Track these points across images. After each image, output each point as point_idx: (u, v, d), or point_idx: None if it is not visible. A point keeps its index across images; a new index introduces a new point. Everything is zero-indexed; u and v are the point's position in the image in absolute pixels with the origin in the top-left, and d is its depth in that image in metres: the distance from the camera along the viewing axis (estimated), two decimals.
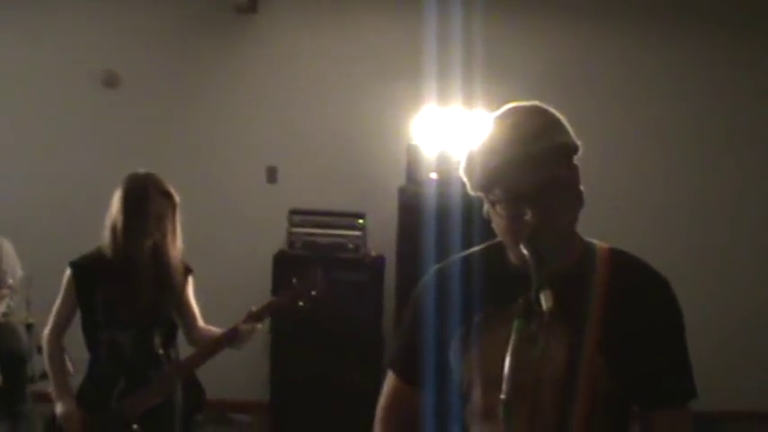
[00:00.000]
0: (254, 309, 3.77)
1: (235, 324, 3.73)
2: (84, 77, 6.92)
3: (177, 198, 3.70)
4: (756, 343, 6.81)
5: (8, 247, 6.06)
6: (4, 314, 5.89)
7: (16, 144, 7.01)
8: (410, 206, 6.11)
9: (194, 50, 6.96)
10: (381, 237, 6.41)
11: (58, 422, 3.67)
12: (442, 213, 5.38)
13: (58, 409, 3.67)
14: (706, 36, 6.88)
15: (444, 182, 5.83)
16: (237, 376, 6.10)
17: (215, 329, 3.85)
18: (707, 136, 6.94)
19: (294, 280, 3.84)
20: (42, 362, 4.09)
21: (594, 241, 2.08)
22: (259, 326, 3.75)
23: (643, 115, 6.87)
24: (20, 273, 6.01)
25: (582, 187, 1.97)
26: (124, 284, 3.63)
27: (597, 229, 2.20)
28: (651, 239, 5.94)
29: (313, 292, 3.80)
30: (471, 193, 2.01)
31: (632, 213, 6.73)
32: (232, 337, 3.71)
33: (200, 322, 3.88)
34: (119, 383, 3.62)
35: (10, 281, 5.87)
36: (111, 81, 6.90)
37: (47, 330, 3.78)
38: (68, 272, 3.72)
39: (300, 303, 3.80)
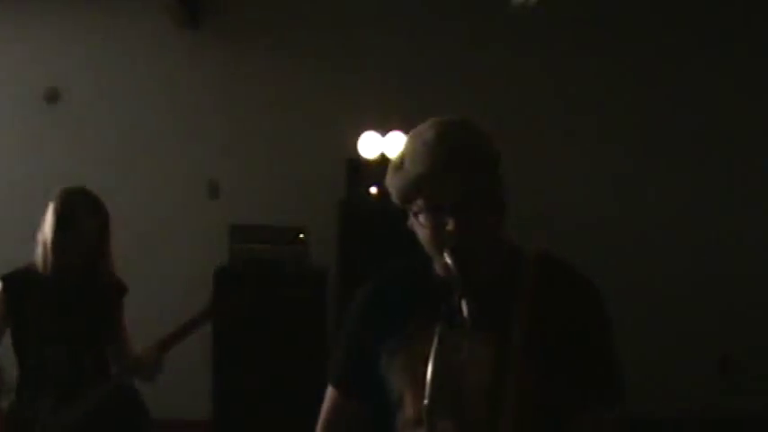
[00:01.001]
0: (163, 338, 3.79)
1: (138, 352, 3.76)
2: (26, 92, 6.85)
3: (108, 214, 3.67)
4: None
5: None
6: None
7: None
8: (350, 220, 6.14)
9: (135, 65, 6.91)
10: (323, 251, 6.42)
11: None
12: (383, 226, 5.40)
13: None
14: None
15: (385, 195, 5.82)
16: (181, 394, 6.05)
17: (130, 351, 3.83)
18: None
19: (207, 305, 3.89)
20: None
21: (525, 246, 2.11)
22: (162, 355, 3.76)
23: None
24: None
25: (504, 196, 2.00)
26: (54, 300, 3.60)
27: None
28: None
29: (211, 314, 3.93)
30: (395, 203, 2.05)
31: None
32: (137, 369, 3.75)
33: (131, 344, 3.84)
34: (49, 400, 3.59)
35: None
36: (51, 96, 6.84)
37: None
38: None
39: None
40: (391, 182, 2.03)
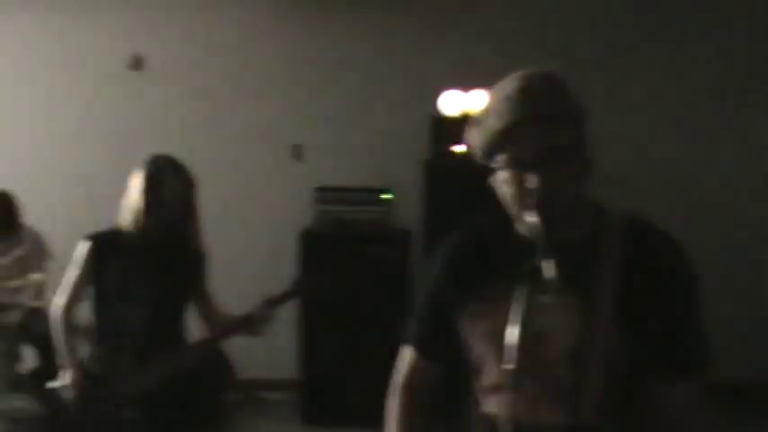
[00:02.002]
0: (269, 298, 3.81)
1: (249, 311, 3.77)
2: (110, 60, 6.94)
3: (193, 180, 3.71)
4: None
5: (38, 235, 6.12)
6: (35, 299, 5.97)
7: (44, 128, 7.06)
8: (435, 179, 6.08)
9: (218, 32, 6.95)
10: (407, 211, 6.41)
11: (63, 389, 3.74)
12: (467, 185, 5.35)
13: (66, 376, 3.74)
14: None
15: (468, 153, 5.77)
16: (266, 355, 6.12)
17: (224, 312, 3.88)
18: None
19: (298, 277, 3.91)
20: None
21: (613, 208, 2.04)
22: (273, 313, 3.78)
23: None
24: (49, 257, 6.08)
25: (589, 154, 1.94)
26: (138, 261, 3.66)
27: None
28: None
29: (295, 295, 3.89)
30: (478, 161, 2.00)
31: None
32: (244, 325, 3.76)
33: (215, 306, 3.90)
34: (126, 360, 3.67)
35: (39, 267, 5.94)
36: (136, 64, 6.92)
37: (60, 301, 3.81)
38: (84, 244, 3.75)
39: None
40: (473, 137, 1.99)
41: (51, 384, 3.82)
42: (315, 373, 6.26)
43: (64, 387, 3.72)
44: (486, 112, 1.94)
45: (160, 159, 3.70)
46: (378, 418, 5.77)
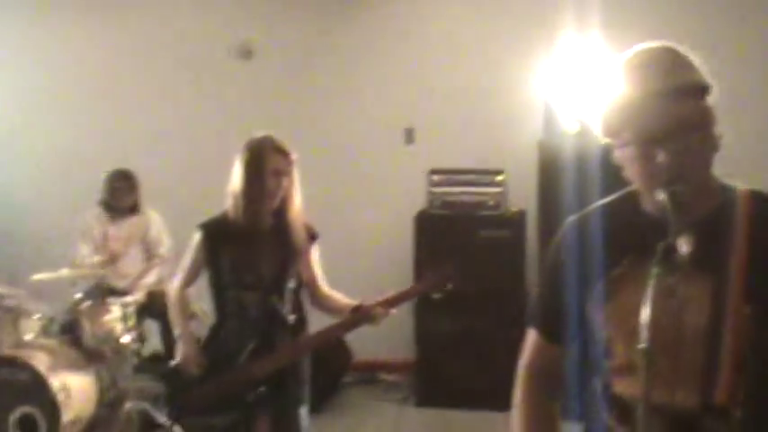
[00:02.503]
0: (391, 294, 3.84)
1: (359, 302, 3.80)
2: (220, 49, 7.08)
3: (292, 161, 3.74)
4: None
5: (157, 219, 6.30)
6: (157, 282, 6.14)
7: (157, 117, 7.26)
8: (549, 160, 6.01)
9: (328, 16, 7.01)
10: (521, 192, 6.36)
11: (178, 364, 3.87)
12: (582, 166, 5.29)
13: (180, 351, 3.86)
14: None
15: (583, 133, 5.72)
16: (383, 336, 6.17)
17: (338, 296, 3.92)
18: None
19: (429, 273, 3.88)
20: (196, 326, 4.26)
21: (734, 184, 1.98)
22: (393, 311, 3.80)
23: None
24: (169, 243, 6.24)
25: (716, 130, 1.89)
26: (248, 247, 3.74)
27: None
28: None
29: (449, 286, 3.83)
30: (603, 138, 1.97)
31: None
32: (362, 319, 3.78)
33: (324, 287, 3.95)
34: (248, 344, 3.74)
35: (161, 250, 6.09)
36: (245, 52, 7.04)
37: (175, 284, 3.96)
38: (197, 234, 3.86)
39: (436, 296, 3.87)
40: (596, 115, 1.94)
41: (173, 363, 3.94)
42: (430, 355, 6.28)
43: (183, 365, 3.83)
44: (610, 87, 1.91)
45: (258, 139, 3.76)
46: (491, 400, 5.80)
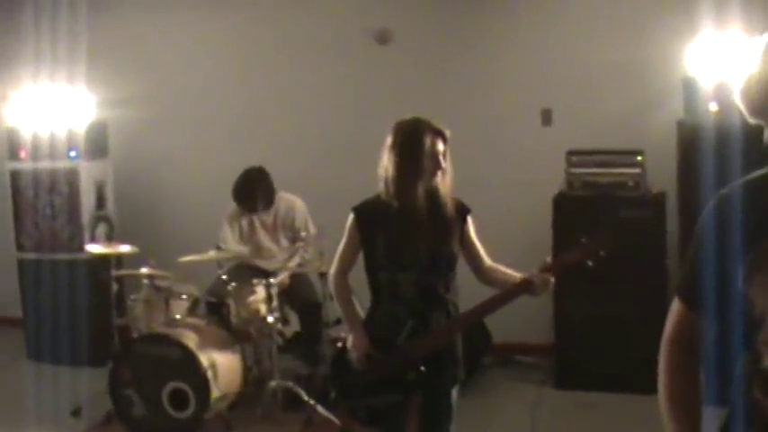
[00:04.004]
0: (548, 260, 3.81)
1: (527, 275, 3.75)
2: (358, 35, 7.20)
3: (437, 142, 3.75)
4: None
5: (300, 205, 6.44)
6: (300, 265, 6.29)
7: (298, 102, 7.44)
8: (689, 139, 5.88)
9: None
10: (661, 173, 6.25)
11: (348, 351, 3.91)
12: (722, 145, 5.18)
13: (350, 338, 3.92)
14: None
15: (723, 112, 5.57)
16: (522, 319, 6.19)
17: (502, 268, 3.91)
18: None
19: (583, 239, 3.84)
20: (336, 308, 4.37)
21: None
22: (552, 279, 3.75)
23: None
24: (312, 227, 6.38)
25: None
26: (403, 227, 3.75)
27: None
28: None
29: (602, 253, 3.79)
30: (749, 120, 1.94)
31: None
32: (524, 289, 3.75)
33: (487, 261, 3.94)
34: (406, 325, 3.78)
35: (303, 234, 6.24)
36: (383, 38, 7.13)
37: (333, 270, 4.01)
38: (351, 216, 3.91)
39: (589, 263, 3.79)
40: (744, 96, 1.91)
41: (339, 347, 4.04)
42: (568, 338, 6.26)
43: (353, 353, 3.88)
44: (755, 69, 1.87)
45: (410, 121, 3.79)
46: (631, 383, 5.75)
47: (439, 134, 3.76)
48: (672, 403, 2.18)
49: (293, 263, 6.28)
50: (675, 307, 2.21)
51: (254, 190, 6.31)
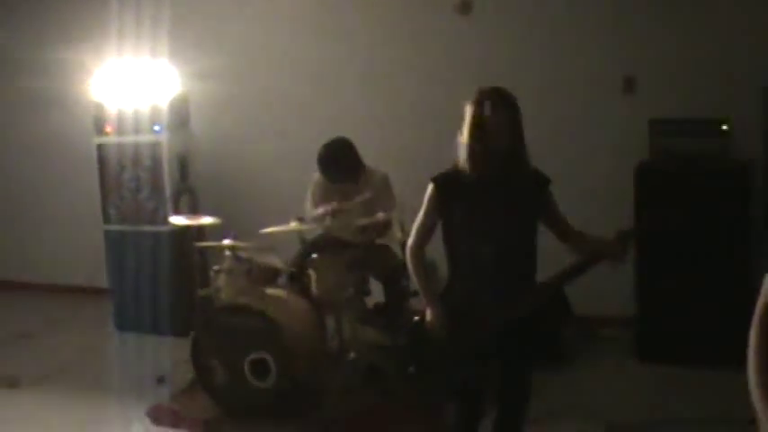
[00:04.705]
0: (623, 229, 3.77)
1: (604, 242, 3.73)
2: (437, 3, 7.15)
3: (518, 110, 3.68)
4: None
5: (383, 176, 6.42)
6: (381, 236, 6.28)
7: (378, 73, 7.45)
8: None
9: None
10: (747, 141, 6.10)
11: (426, 325, 3.91)
12: None
13: (427, 313, 3.92)
14: None
15: None
16: (603, 292, 6.12)
17: (587, 235, 3.85)
18: None
19: (649, 212, 3.78)
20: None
21: None
22: (627, 247, 3.70)
23: None
24: (394, 198, 6.37)
25: None
26: (481, 198, 3.72)
27: None
28: None
29: (671, 224, 3.74)
30: None
31: None
32: (600, 257, 3.71)
33: (572, 228, 3.88)
34: (484, 296, 3.76)
35: (386, 205, 6.22)
36: (464, 6, 7.08)
37: (410, 242, 3.99)
38: (430, 187, 3.88)
39: (656, 232, 3.76)
40: None
41: (416, 319, 4.05)
42: (651, 310, 6.17)
43: (430, 328, 3.89)
44: None
45: (485, 92, 3.72)
46: (716, 357, 5.66)
47: (512, 106, 3.71)
48: (764, 389, 2.13)
49: (372, 236, 6.26)
50: (766, 281, 2.16)
51: (338, 160, 6.28)
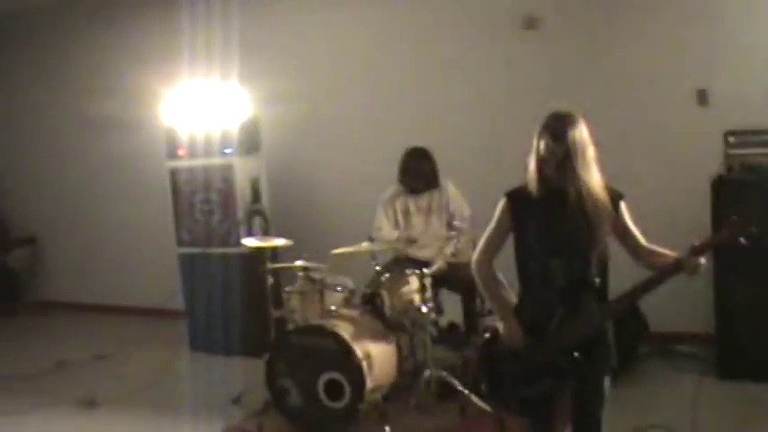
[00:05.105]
0: (695, 244, 3.67)
1: (676, 257, 3.64)
2: (504, 20, 7.11)
3: (579, 130, 3.65)
4: None
5: (454, 190, 6.41)
6: (453, 254, 6.25)
7: (447, 92, 7.43)
8: None
9: None
10: None
11: (499, 340, 3.89)
12: None
13: (501, 326, 3.89)
14: None
15: None
16: (680, 308, 6.00)
17: (659, 250, 3.78)
18: None
19: (734, 216, 3.69)
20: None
21: None
22: (702, 260, 3.60)
23: None
24: (467, 212, 6.35)
25: None
26: (553, 214, 3.70)
27: None
28: None
29: (753, 230, 3.64)
30: None
31: None
32: (675, 272, 3.62)
33: (644, 244, 3.82)
34: (556, 312, 3.74)
35: (456, 223, 6.21)
36: (532, 22, 7.03)
37: (477, 257, 3.98)
38: (503, 201, 3.88)
39: (742, 240, 3.64)
40: None
41: (487, 336, 4.02)
42: (731, 327, 6.02)
43: (506, 341, 3.87)
44: None
45: (558, 114, 3.72)
46: None
47: (576, 124, 3.66)
48: None
49: (448, 251, 6.23)
50: None
51: (420, 168, 6.33)
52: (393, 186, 6.54)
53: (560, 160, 3.63)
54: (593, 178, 3.70)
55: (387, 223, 6.48)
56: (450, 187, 6.43)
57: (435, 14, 7.45)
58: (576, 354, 3.71)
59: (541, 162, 3.68)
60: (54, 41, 9.48)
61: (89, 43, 9.17)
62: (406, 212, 6.48)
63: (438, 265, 6.07)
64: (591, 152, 3.68)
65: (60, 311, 9.75)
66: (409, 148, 6.43)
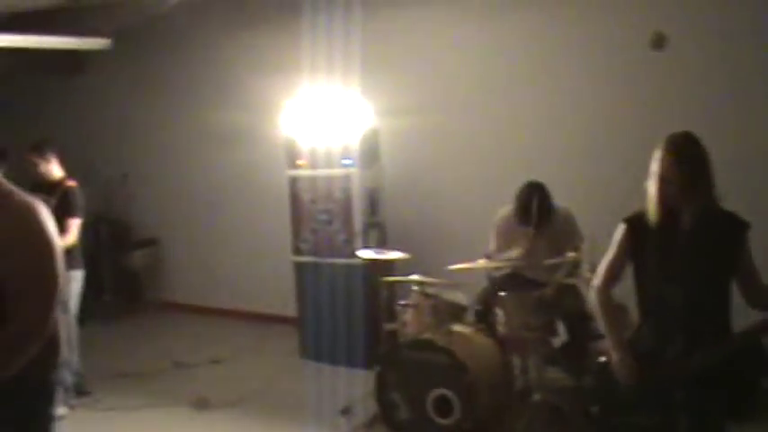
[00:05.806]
0: None
1: None
2: (631, 39, 6.97)
3: (698, 154, 3.56)
4: None
5: (570, 215, 6.29)
6: (569, 276, 6.13)
7: (565, 109, 7.33)
8: None
9: (738, 6, 6.65)
10: None
11: (611, 369, 3.81)
12: None
13: (613, 357, 3.81)
14: None
15: None
16: None
17: None
18: None
19: None
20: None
21: None
22: None
23: None
24: (582, 238, 6.23)
25: None
26: (672, 241, 3.63)
27: None
28: None
29: None
30: None
31: None
32: None
33: (760, 281, 3.70)
34: (674, 340, 3.64)
35: (574, 245, 6.10)
36: (658, 42, 6.86)
37: (597, 283, 3.91)
38: (622, 227, 3.82)
39: None
40: None
41: (602, 360, 3.94)
42: None
43: (617, 373, 3.80)
44: None
45: (678, 136, 3.63)
46: None
47: (697, 151, 3.58)
48: None
49: (562, 273, 6.13)
50: None
51: (534, 206, 6.20)
52: (506, 207, 6.41)
53: (683, 183, 3.55)
54: (716, 203, 3.61)
55: (499, 243, 6.39)
56: (566, 211, 6.31)
57: (554, 33, 7.34)
58: (691, 387, 3.61)
59: (663, 185, 3.59)
60: (183, 56, 9.72)
61: (214, 58, 9.37)
62: (518, 235, 6.35)
63: (549, 287, 5.97)
64: (712, 175, 3.59)
65: (178, 312, 9.96)
66: (523, 186, 6.25)
